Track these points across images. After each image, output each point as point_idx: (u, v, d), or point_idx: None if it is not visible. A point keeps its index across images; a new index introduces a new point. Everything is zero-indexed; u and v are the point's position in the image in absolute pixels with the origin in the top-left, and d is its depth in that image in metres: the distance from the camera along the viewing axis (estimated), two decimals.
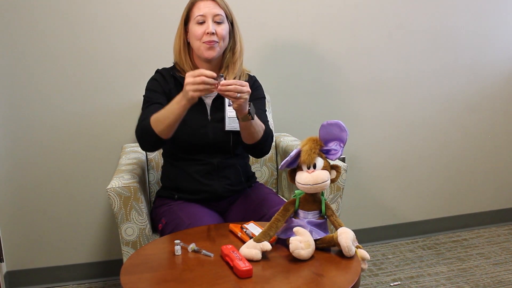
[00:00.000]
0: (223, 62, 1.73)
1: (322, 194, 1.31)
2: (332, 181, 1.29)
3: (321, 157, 1.29)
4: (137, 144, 2.15)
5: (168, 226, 1.61)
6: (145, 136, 1.58)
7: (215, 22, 1.64)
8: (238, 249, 1.25)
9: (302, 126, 2.44)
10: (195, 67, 1.72)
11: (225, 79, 1.44)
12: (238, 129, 1.63)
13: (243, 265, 1.16)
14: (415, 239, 2.71)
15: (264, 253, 1.25)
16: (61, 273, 2.29)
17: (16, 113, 2.14)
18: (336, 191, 1.84)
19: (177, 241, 1.31)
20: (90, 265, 2.32)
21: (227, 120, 1.68)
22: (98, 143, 2.23)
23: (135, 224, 1.64)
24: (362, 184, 2.60)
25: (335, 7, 2.39)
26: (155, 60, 2.13)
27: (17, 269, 2.26)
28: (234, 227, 1.42)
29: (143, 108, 1.69)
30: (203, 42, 1.63)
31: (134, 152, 2.01)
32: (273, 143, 2.17)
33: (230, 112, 1.67)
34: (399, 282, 2.23)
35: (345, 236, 1.23)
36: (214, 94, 1.69)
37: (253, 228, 1.38)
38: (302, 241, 1.22)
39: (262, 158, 2.12)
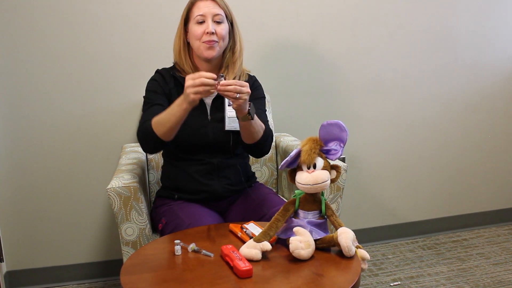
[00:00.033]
0: (223, 62, 1.73)
1: (322, 194, 1.31)
2: (332, 181, 1.29)
3: (321, 157, 1.29)
4: (137, 144, 2.16)
5: (168, 226, 1.61)
6: (147, 139, 1.58)
7: (214, 21, 1.64)
8: (238, 249, 1.25)
9: (302, 126, 2.44)
10: (195, 67, 1.72)
11: (225, 79, 1.44)
12: (238, 129, 1.63)
13: (243, 265, 1.16)
14: (415, 239, 2.71)
15: (264, 253, 1.25)
16: (61, 273, 2.29)
17: (16, 113, 2.14)
18: (336, 191, 1.84)
19: (177, 241, 1.31)
20: (90, 265, 2.32)
21: (227, 120, 1.68)
22: (98, 143, 2.23)
23: (135, 224, 1.64)
24: (362, 184, 2.60)
25: (335, 7, 2.39)
26: (155, 60, 2.13)
27: (17, 269, 2.26)
28: (234, 227, 1.42)
29: (143, 110, 1.69)
30: (203, 42, 1.63)
31: (134, 152, 2.01)
32: (273, 143, 2.17)
33: (230, 112, 1.67)
34: (399, 282, 2.23)
35: (345, 236, 1.23)
36: (214, 94, 1.69)
37: (253, 228, 1.38)
38: (302, 241, 1.22)
39: (262, 158, 2.12)
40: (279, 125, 2.35)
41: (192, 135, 1.65)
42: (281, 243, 1.32)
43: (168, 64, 1.79)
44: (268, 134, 1.66)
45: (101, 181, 2.23)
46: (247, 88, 1.43)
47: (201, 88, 1.39)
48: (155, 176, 2.03)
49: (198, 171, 1.69)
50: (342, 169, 1.55)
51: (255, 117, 1.55)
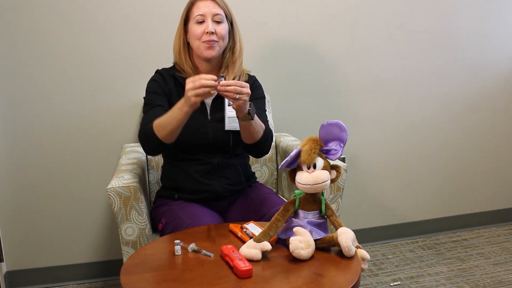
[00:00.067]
0: (222, 62, 1.73)
1: (322, 194, 1.31)
2: (332, 181, 1.29)
3: (321, 157, 1.29)
4: (137, 144, 2.16)
5: (168, 226, 1.61)
6: (148, 141, 1.58)
7: (214, 21, 1.64)
8: (238, 249, 1.25)
9: (302, 126, 2.44)
10: (195, 67, 1.72)
11: (225, 79, 1.44)
12: (238, 129, 1.63)
13: (243, 265, 1.16)
14: (415, 239, 2.71)
15: (264, 253, 1.25)
16: (61, 273, 2.29)
17: (16, 113, 2.14)
18: (336, 191, 1.84)
19: (177, 241, 1.31)
20: (90, 265, 2.32)
21: (227, 120, 1.68)
22: (98, 143, 2.23)
23: (135, 224, 1.64)
24: (362, 184, 2.60)
25: (335, 7, 2.39)
26: (155, 60, 2.13)
27: (17, 269, 2.26)
28: (234, 227, 1.42)
29: (144, 111, 1.69)
30: (203, 42, 1.63)
31: (134, 152, 2.01)
32: (273, 143, 2.17)
33: (230, 111, 1.67)
34: (399, 282, 2.23)
35: (345, 236, 1.23)
36: (214, 94, 1.69)
37: (253, 228, 1.38)
38: (302, 241, 1.22)
39: (262, 158, 2.12)
40: (279, 125, 2.35)
41: (192, 135, 1.65)
42: (281, 243, 1.32)
43: (168, 64, 1.79)
44: (268, 134, 1.66)
45: (101, 181, 2.23)
46: (247, 89, 1.43)
47: (201, 90, 1.39)
48: (155, 176, 2.03)
49: (198, 171, 1.69)
50: (342, 169, 1.55)
51: (255, 117, 1.55)
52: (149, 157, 2.04)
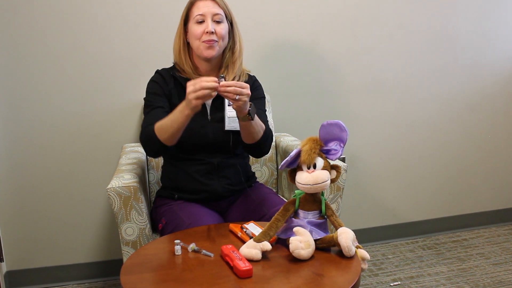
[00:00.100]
0: (222, 62, 1.73)
1: (322, 194, 1.31)
2: (332, 181, 1.29)
3: (321, 157, 1.29)
4: (137, 144, 2.16)
5: (168, 226, 1.61)
6: (150, 143, 1.59)
7: (214, 21, 1.64)
8: (238, 249, 1.25)
9: (302, 126, 2.44)
10: (195, 67, 1.72)
11: (225, 80, 1.44)
12: (238, 128, 1.63)
13: (243, 265, 1.16)
14: (415, 239, 2.71)
15: (264, 253, 1.25)
16: (61, 273, 2.29)
17: (16, 113, 2.14)
18: (336, 191, 1.84)
19: (177, 241, 1.31)
20: (90, 265, 2.32)
21: (227, 120, 1.68)
22: (98, 143, 2.23)
23: (135, 224, 1.64)
24: (362, 184, 2.60)
25: (335, 7, 2.39)
26: (155, 60, 2.13)
27: (17, 269, 2.26)
28: (234, 227, 1.42)
29: (145, 112, 1.69)
30: (203, 42, 1.63)
31: (134, 152, 2.01)
32: (273, 143, 2.17)
33: (230, 112, 1.67)
34: (399, 282, 2.23)
35: (345, 236, 1.23)
36: (215, 95, 1.69)
37: (253, 228, 1.38)
38: (302, 241, 1.22)
39: (262, 158, 2.12)
40: (279, 125, 2.35)
41: (192, 135, 1.65)
42: (281, 243, 1.32)
43: (168, 64, 1.79)
44: (268, 134, 1.66)
45: (101, 181, 2.23)
46: (247, 90, 1.43)
47: (201, 92, 1.39)
48: (155, 176, 2.03)
49: (198, 171, 1.69)
50: (342, 169, 1.55)
51: (255, 117, 1.56)
52: (149, 157, 2.04)
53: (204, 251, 1.30)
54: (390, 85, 2.55)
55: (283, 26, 2.35)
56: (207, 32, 1.62)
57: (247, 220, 1.53)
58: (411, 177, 2.68)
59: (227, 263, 1.22)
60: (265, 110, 1.80)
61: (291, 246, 1.21)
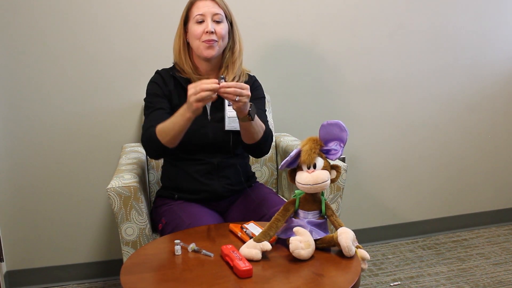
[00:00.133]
0: (222, 62, 1.73)
1: (322, 194, 1.31)
2: (332, 181, 1.29)
3: (321, 157, 1.29)
4: (137, 144, 2.16)
5: (168, 226, 1.61)
6: (151, 146, 1.60)
7: (214, 21, 1.64)
8: (238, 249, 1.25)
9: (302, 126, 2.44)
10: (195, 67, 1.72)
11: (225, 81, 1.44)
12: (238, 128, 1.63)
13: (243, 265, 1.16)
14: (415, 239, 2.71)
15: (264, 253, 1.25)
16: (61, 273, 2.29)
17: (16, 113, 2.14)
18: (336, 191, 1.84)
19: (177, 241, 1.31)
20: (90, 265, 2.32)
21: (227, 120, 1.68)
22: (98, 143, 2.23)
23: (135, 224, 1.64)
24: (362, 184, 2.60)
25: (335, 7, 2.39)
26: (155, 60, 2.13)
27: (17, 269, 2.26)
28: (234, 227, 1.42)
29: (145, 114, 1.69)
30: (202, 41, 1.63)
31: (134, 152, 2.01)
32: (273, 143, 2.17)
33: (230, 112, 1.67)
34: (399, 282, 2.23)
35: (345, 236, 1.23)
36: (215, 97, 1.69)
37: (253, 228, 1.38)
38: (302, 241, 1.22)
39: (262, 158, 2.12)
40: (279, 125, 2.35)
41: (192, 135, 1.65)
42: (281, 243, 1.32)
43: (168, 64, 1.79)
44: (268, 135, 1.66)
45: (101, 181, 2.23)
46: (247, 91, 1.43)
47: (200, 95, 1.39)
48: (155, 176, 2.03)
49: (198, 171, 1.69)
50: (342, 169, 1.55)
51: (256, 117, 1.56)
52: (150, 158, 2.04)
53: (204, 251, 1.30)
54: (390, 85, 2.55)
55: (283, 26, 2.35)
56: (207, 32, 1.62)
57: (247, 220, 1.53)
58: (411, 177, 2.68)
59: (227, 263, 1.22)
60: (265, 110, 1.80)
61: (291, 246, 1.21)
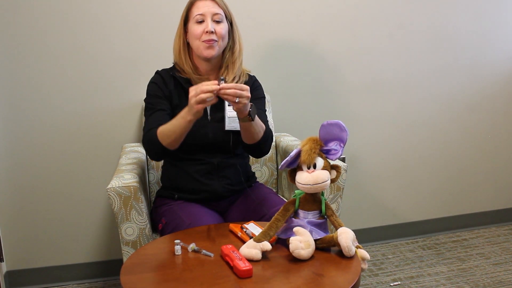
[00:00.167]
0: (222, 62, 1.73)
1: (322, 194, 1.31)
2: (332, 181, 1.29)
3: (321, 157, 1.29)
4: (137, 144, 2.16)
5: (168, 226, 1.61)
6: (153, 148, 1.60)
7: (214, 21, 1.64)
8: (238, 249, 1.25)
9: (302, 126, 2.44)
10: (195, 67, 1.72)
11: (225, 82, 1.44)
12: (238, 128, 1.63)
13: (243, 265, 1.16)
14: (415, 239, 2.71)
15: (264, 253, 1.25)
16: (61, 273, 2.29)
17: (16, 113, 2.14)
18: (336, 191, 1.84)
19: (177, 241, 1.31)
20: (90, 265, 2.32)
21: (227, 120, 1.68)
22: (98, 143, 2.23)
23: (135, 224, 1.64)
24: (362, 184, 2.60)
25: (335, 7, 2.39)
26: (155, 60, 2.13)
27: (17, 269, 2.26)
28: (234, 227, 1.42)
29: (146, 115, 1.69)
30: (202, 41, 1.63)
31: (134, 152, 2.01)
32: (273, 143, 2.17)
33: (230, 112, 1.67)
34: (399, 282, 2.23)
35: (345, 236, 1.23)
36: (216, 100, 1.69)
37: (253, 228, 1.38)
38: (302, 241, 1.22)
39: (262, 158, 2.12)
40: (279, 125, 2.35)
41: (192, 135, 1.65)
42: (281, 243, 1.32)
43: (168, 64, 1.79)
44: (268, 135, 1.66)
45: (101, 181, 2.23)
46: (247, 92, 1.43)
47: (200, 97, 1.39)
48: (155, 176, 2.03)
49: (198, 171, 1.69)
50: (342, 169, 1.55)
51: (256, 117, 1.56)
52: (151, 160, 2.04)
53: (204, 251, 1.30)
54: (390, 85, 2.55)
55: (283, 26, 2.35)
56: (206, 32, 1.62)
57: (247, 220, 1.53)
58: (411, 177, 2.68)
59: (227, 263, 1.22)
60: (265, 110, 1.80)
61: (291, 246, 1.21)
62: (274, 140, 2.14)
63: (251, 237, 1.31)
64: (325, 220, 1.31)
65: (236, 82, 1.69)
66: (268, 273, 1.18)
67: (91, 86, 2.18)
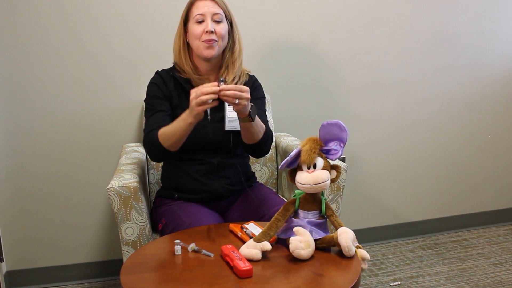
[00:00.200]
0: (222, 62, 1.73)
1: (322, 194, 1.31)
2: (332, 181, 1.29)
3: (321, 157, 1.29)
4: (137, 144, 2.16)
5: (168, 226, 1.61)
6: (153, 149, 1.61)
7: (214, 21, 1.64)
8: (238, 249, 1.25)
9: (302, 126, 2.44)
10: (195, 67, 1.72)
11: (225, 83, 1.44)
12: (238, 128, 1.64)
13: (243, 265, 1.16)
14: (415, 239, 2.71)
15: (264, 253, 1.25)
16: (61, 273, 2.29)
17: (16, 113, 2.14)
18: (336, 191, 1.84)
19: (177, 241, 1.31)
20: (90, 265, 2.32)
21: (227, 120, 1.68)
22: (98, 143, 2.23)
23: (135, 224, 1.64)
24: (362, 184, 2.60)
25: (335, 7, 2.39)
26: (155, 60, 2.13)
27: (17, 269, 2.26)
28: (234, 227, 1.42)
29: (146, 116, 1.69)
30: (202, 41, 1.63)
31: (134, 152, 2.01)
32: (273, 143, 2.17)
33: (230, 112, 1.67)
34: (399, 282, 2.23)
35: (345, 236, 1.23)
36: (217, 102, 1.69)
37: (253, 228, 1.38)
38: (302, 241, 1.22)
39: (262, 158, 2.12)
40: (279, 125, 2.35)
41: (192, 135, 1.64)
42: (281, 243, 1.32)
43: (168, 64, 1.79)
44: (268, 135, 1.66)
45: (101, 181, 2.23)
46: (246, 94, 1.43)
47: (200, 99, 1.39)
48: (155, 176, 2.03)
49: (198, 171, 1.69)
50: (342, 169, 1.55)
51: (256, 117, 1.56)
52: (152, 161, 2.04)
53: (204, 251, 1.30)
54: (390, 85, 2.55)
55: (283, 26, 2.35)
56: (206, 32, 1.62)
57: (247, 220, 1.53)
58: (411, 177, 2.68)
59: (227, 263, 1.23)
60: (265, 110, 1.80)
61: (291, 246, 1.21)
62: (274, 140, 2.14)
63: (251, 237, 1.31)
64: (325, 220, 1.31)
65: (236, 82, 1.69)
66: (268, 273, 1.18)
67: (91, 86, 2.18)
